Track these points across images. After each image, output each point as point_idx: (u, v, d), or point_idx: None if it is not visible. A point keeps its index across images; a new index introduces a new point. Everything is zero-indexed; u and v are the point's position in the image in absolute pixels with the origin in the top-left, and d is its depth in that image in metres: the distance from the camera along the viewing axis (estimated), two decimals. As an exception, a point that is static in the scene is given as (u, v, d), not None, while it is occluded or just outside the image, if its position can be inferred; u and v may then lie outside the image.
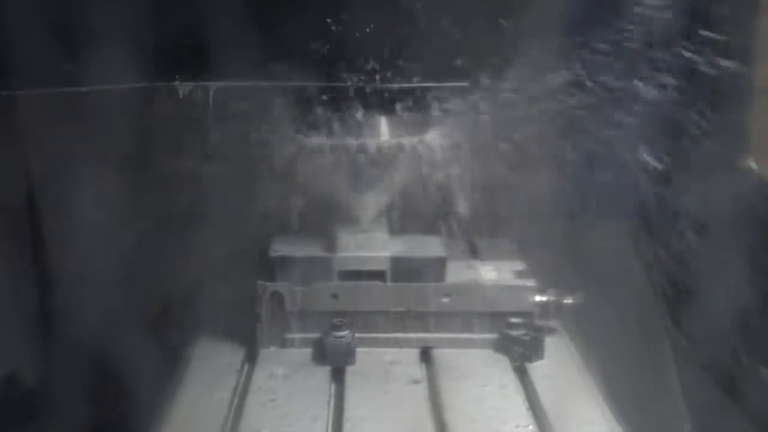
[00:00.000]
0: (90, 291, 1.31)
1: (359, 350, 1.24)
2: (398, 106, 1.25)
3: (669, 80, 1.23)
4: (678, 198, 1.30)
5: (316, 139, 1.27)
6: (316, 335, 1.25)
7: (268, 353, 1.26)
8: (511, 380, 1.20)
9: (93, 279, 1.31)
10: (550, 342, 1.27)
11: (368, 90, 1.23)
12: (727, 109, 1.25)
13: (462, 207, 1.35)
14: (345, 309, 1.25)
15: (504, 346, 1.26)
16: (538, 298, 1.27)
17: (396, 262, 1.26)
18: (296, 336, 1.27)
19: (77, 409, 1.26)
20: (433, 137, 1.29)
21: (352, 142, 1.26)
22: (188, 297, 1.35)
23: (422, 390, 1.18)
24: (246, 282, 1.26)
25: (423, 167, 1.29)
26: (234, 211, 1.34)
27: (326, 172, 1.27)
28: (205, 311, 1.32)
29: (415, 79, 1.24)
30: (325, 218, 1.30)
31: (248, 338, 1.27)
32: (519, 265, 1.32)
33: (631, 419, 1.11)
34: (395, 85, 1.23)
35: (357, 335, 1.24)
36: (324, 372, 1.22)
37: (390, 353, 1.26)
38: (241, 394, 1.17)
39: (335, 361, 1.22)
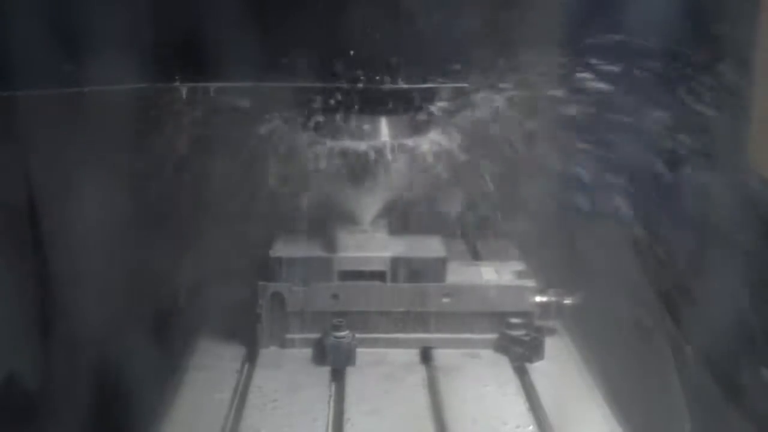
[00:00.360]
0: (90, 291, 1.31)
1: (359, 350, 1.24)
2: (398, 107, 1.25)
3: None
4: (679, 198, 1.29)
5: (317, 140, 1.27)
6: (316, 335, 1.25)
7: (268, 353, 1.26)
8: (511, 380, 1.20)
9: (93, 279, 1.31)
10: (550, 342, 1.27)
11: (368, 90, 1.23)
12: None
13: (462, 207, 1.35)
14: (345, 309, 1.25)
15: (504, 346, 1.26)
16: (538, 298, 1.27)
17: (396, 262, 1.26)
18: (296, 336, 1.27)
19: (77, 410, 1.25)
20: (434, 138, 1.29)
21: (352, 142, 1.26)
22: (189, 297, 1.35)
23: (422, 390, 1.18)
24: (247, 282, 1.26)
25: (423, 168, 1.29)
26: (234, 211, 1.34)
27: (326, 172, 1.27)
28: (206, 311, 1.32)
29: (415, 80, 1.24)
30: (325, 218, 1.30)
31: (248, 338, 1.27)
32: (519, 266, 1.32)
33: (631, 419, 1.11)
34: (395, 86, 1.23)
35: (357, 335, 1.24)
36: (324, 372, 1.22)
37: (390, 353, 1.26)
38: (241, 394, 1.17)
39: (335, 362, 1.22)
